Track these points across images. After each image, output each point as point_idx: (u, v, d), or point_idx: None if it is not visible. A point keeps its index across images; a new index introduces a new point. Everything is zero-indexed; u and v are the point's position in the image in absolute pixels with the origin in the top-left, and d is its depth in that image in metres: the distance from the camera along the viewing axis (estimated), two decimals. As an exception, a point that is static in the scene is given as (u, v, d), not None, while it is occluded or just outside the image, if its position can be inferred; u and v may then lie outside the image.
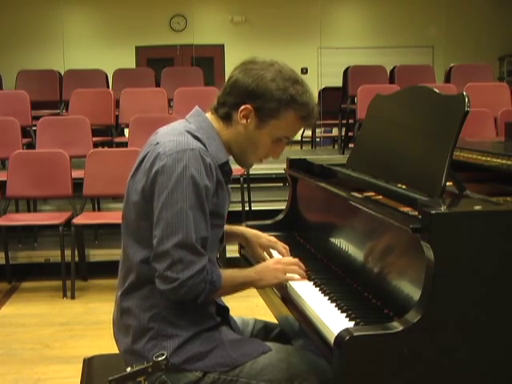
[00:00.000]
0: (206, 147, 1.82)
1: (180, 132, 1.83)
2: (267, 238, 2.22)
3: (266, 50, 10.63)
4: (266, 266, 2.00)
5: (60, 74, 7.99)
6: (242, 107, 1.84)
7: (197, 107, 1.95)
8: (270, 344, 1.94)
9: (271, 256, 2.21)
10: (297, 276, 2.02)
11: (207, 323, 1.87)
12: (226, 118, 1.88)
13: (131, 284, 1.87)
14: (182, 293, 1.74)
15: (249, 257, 2.44)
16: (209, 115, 1.92)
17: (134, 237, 1.85)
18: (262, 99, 1.82)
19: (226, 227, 2.11)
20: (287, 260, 2.07)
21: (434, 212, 1.54)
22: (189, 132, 1.83)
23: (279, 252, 2.19)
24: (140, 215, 1.82)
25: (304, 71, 10.64)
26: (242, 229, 2.26)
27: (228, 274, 1.86)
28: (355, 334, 1.53)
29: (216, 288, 1.80)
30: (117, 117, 6.76)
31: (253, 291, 2.37)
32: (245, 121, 1.85)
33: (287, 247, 2.19)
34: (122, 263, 1.92)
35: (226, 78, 1.90)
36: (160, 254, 1.74)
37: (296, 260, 2.07)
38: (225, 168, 1.88)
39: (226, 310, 2.00)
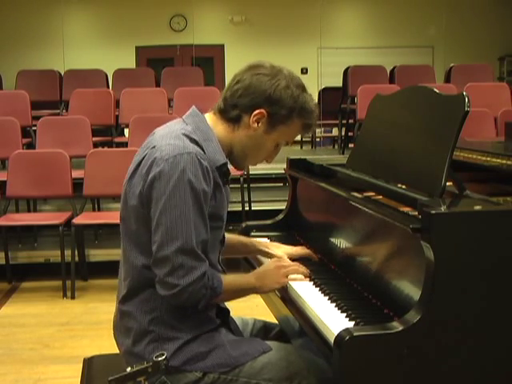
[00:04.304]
0: (204, 149, 1.82)
1: (177, 135, 1.82)
2: (288, 247, 2.31)
3: (266, 50, 10.65)
4: (267, 270, 2.00)
5: (60, 74, 7.99)
6: (257, 111, 1.85)
7: (193, 107, 1.95)
8: (269, 343, 1.94)
9: None
10: (299, 276, 2.03)
11: (207, 326, 1.87)
12: (234, 120, 1.88)
13: (132, 288, 1.86)
14: (182, 299, 1.75)
15: (250, 258, 2.44)
16: (209, 116, 1.92)
17: (134, 241, 1.84)
18: (277, 105, 1.85)
19: (245, 240, 2.30)
20: (288, 263, 2.07)
21: (433, 212, 1.54)
22: (185, 135, 1.82)
23: (304, 255, 2.28)
24: (139, 220, 1.81)
25: (304, 71, 10.65)
26: (261, 243, 2.35)
27: (229, 280, 1.86)
28: (355, 333, 1.53)
29: (217, 294, 1.80)
30: (117, 117, 6.76)
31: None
32: (256, 124, 1.87)
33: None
34: (123, 266, 1.91)
35: (231, 80, 1.90)
36: (160, 260, 1.73)
37: (296, 263, 2.09)
38: (223, 169, 1.87)
39: (226, 312, 2.00)
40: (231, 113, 1.88)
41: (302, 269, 2.05)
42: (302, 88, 1.89)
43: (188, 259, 1.72)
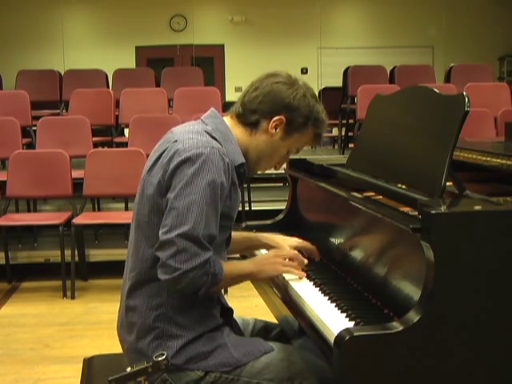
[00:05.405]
0: (223, 148, 1.85)
1: (199, 131, 1.87)
2: (293, 239, 2.28)
3: (266, 50, 10.67)
4: (265, 258, 2.02)
5: (60, 74, 7.99)
6: (277, 117, 1.91)
7: (212, 109, 2.01)
8: (270, 344, 1.94)
9: None
10: (296, 271, 2.03)
11: (211, 324, 1.88)
12: (253, 125, 1.94)
13: (138, 280, 1.87)
14: (182, 284, 1.74)
15: (249, 256, 2.44)
16: (227, 119, 1.97)
17: (146, 233, 1.85)
18: (295, 113, 1.92)
19: (250, 235, 2.28)
20: (287, 252, 2.08)
21: (433, 212, 1.54)
22: (207, 132, 1.87)
23: (308, 249, 2.25)
24: (153, 210, 1.83)
25: (304, 71, 10.65)
26: (266, 236, 2.31)
27: (228, 266, 1.87)
28: (355, 333, 1.53)
29: (217, 281, 1.80)
30: (117, 117, 6.76)
31: (253, 291, 2.38)
32: (274, 130, 1.92)
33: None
34: (131, 258, 1.91)
35: (248, 87, 1.97)
36: (165, 243, 1.74)
37: (296, 252, 2.09)
38: (240, 170, 1.91)
39: (230, 311, 2.00)
40: (250, 118, 1.93)
41: (301, 257, 2.07)
42: (316, 99, 1.97)
43: (192, 245, 1.73)
